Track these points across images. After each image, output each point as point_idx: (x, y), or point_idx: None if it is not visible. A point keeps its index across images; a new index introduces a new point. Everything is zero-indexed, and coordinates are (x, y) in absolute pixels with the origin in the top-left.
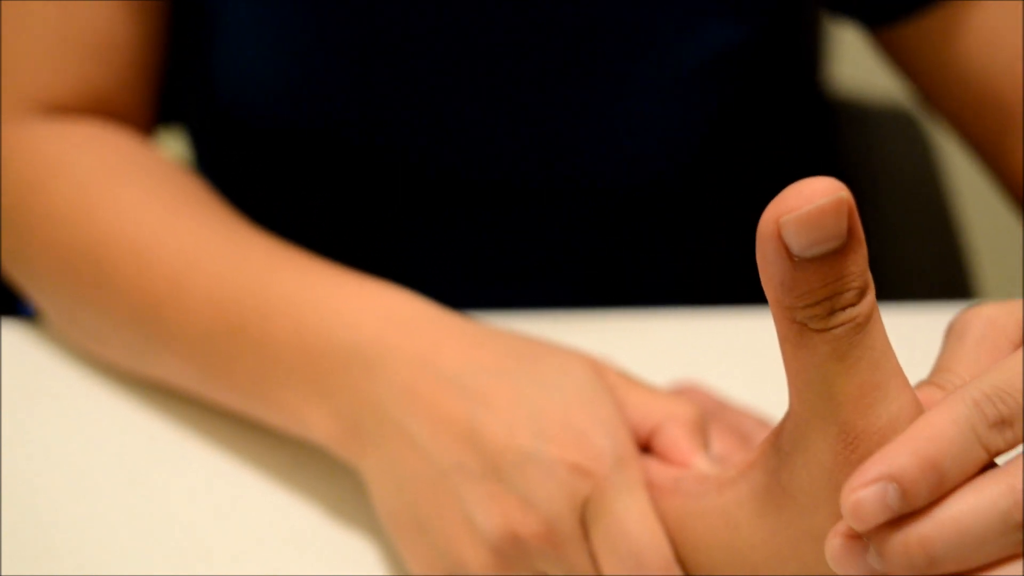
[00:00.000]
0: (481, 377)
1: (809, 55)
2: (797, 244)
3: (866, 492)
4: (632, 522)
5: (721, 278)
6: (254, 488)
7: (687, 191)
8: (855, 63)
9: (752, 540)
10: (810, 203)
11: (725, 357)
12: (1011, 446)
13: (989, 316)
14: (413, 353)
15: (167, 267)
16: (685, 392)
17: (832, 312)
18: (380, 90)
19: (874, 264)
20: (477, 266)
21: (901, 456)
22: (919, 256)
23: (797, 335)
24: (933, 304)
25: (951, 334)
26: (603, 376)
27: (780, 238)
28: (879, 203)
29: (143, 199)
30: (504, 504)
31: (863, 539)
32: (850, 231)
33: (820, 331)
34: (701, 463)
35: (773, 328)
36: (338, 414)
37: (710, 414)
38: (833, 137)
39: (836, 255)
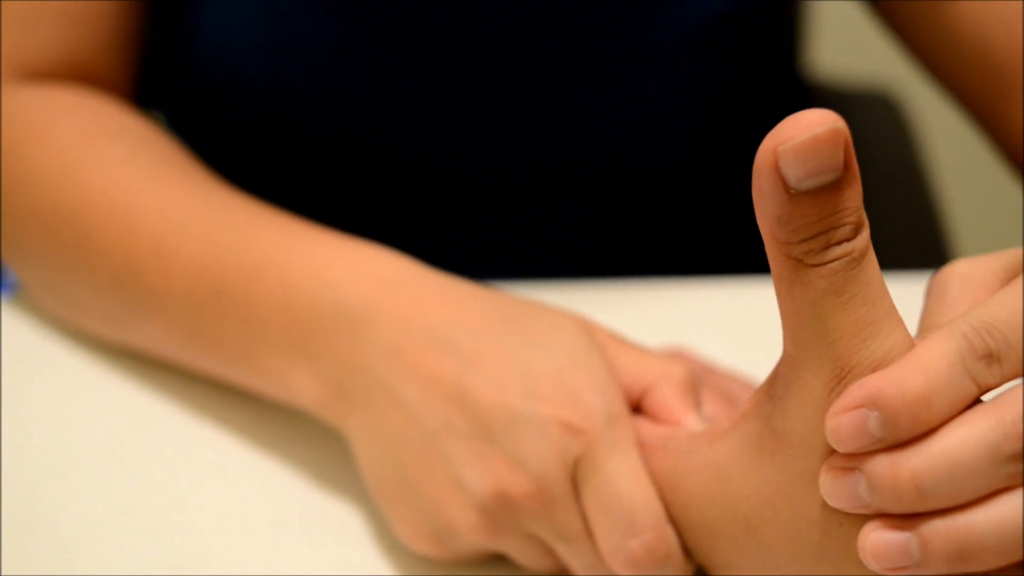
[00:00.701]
0: (470, 336)
1: (788, 38)
2: (794, 175)
3: (847, 416)
4: (624, 481)
5: (722, 258)
6: (239, 459)
7: (686, 172)
8: (833, 47)
9: (744, 491)
10: (807, 132)
11: (711, 327)
12: (1001, 382)
13: (964, 272)
14: (400, 313)
15: (149, 230)
16: (673, 355)
17: (828, 246)
18: (364, 70)
19: None
20: (471, 258)
21: (886, 384)
22: (899, 237)
23: (792, 272)
24: (914, 274)
25: (930, 294)
26: (593, 336)
27: (777, 170)
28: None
29: (124, 163)
30: (494, 464)
31: (855, 471)
32: (846, 164)
33: (816, 265)
34: (693, 423)
35: (759, 299)
36: (323, 376)
37: (699, 377)
38: None
39: (832, 188)
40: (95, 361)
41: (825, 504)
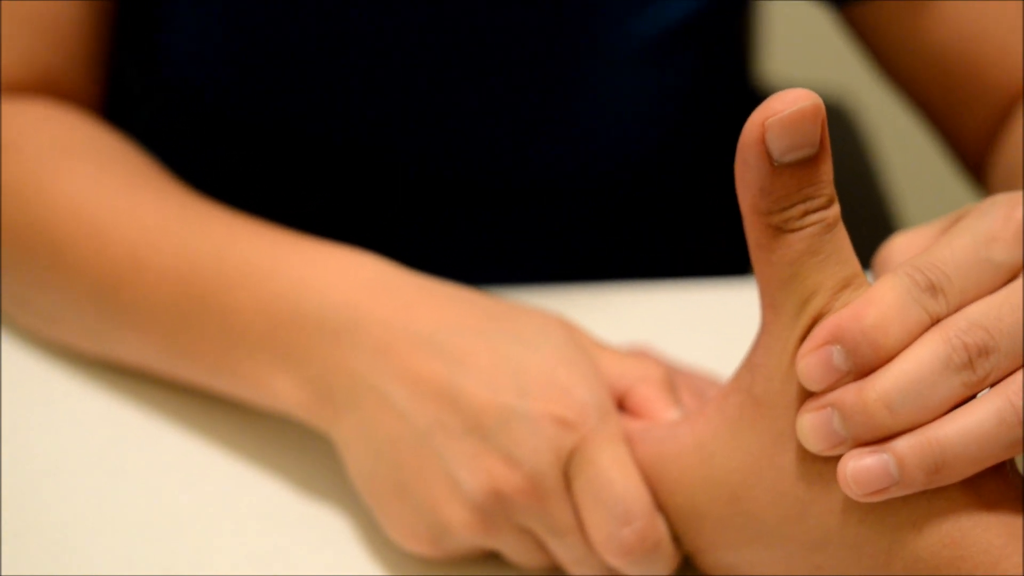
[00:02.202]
0: (458, 336)
1: (742, 49)
2: (778, 147)
3: (814, 355)
4: (615, 472)
5: (704, 257)
6: (227, 464)
7: (664, 173)
8: (785, 56)
9: (728, 464)
10: (794, 106)
11: (682, 329)
12: (948, 310)
13: (903, 243)
14: (385, 315)
15: (125, 243)
16: (641, 355)
17: (805, 214)
18: (324, 78)
19: None
20: (458, 262)
21: (844, 319)
22: (853, 243)
23: (771, 238)
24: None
25: (877, 270)
26: (576, 336)
27: (763, 143)
28: None
29: (98, 176)
30: (487, 461)
31: (827, 408)
32: (822, 140)
33: (795, 230)
34: (673, 418)
35: (732, 301)
36: (308, 381)
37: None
38: None
39: (811, 162)
40: (85, 367)
41: (806, 458)
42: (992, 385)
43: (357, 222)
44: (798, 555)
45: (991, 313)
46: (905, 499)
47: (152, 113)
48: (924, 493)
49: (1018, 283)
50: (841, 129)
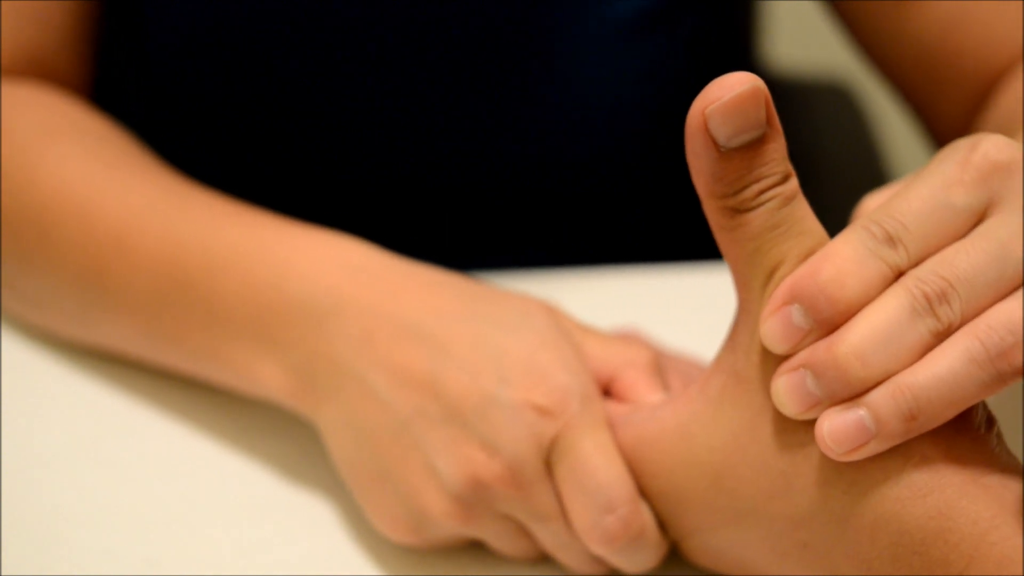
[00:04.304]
0: (440, 323)
1: (743, 31)
2: (723, 133)
3: (775, 317)
4: (597, 459)
5: (690, 241)
6: (212, 453)
7: (652, 156)
8: (789, 39)
9: (710, 443)
10: (731, 92)
11: (667, 313)
12: (910, 261)
13: (873, 203)
14: (368, 302)
15: (111, 226)
16: (628, 338)
17: (760, 192)
18: (305, 65)
19: None
20: (434, 250)
21: (800, 277)
22: None
23: (730, 219)
24: None
25: None
26: (560, 321)
27: (707, 131)
28: (817, 179)
29: (84, 159)
30: (467, 449)
31: (799, 369)
32: (768, 121)
33: (752, 208)
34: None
35: (713, 285)
36: (291, 367)
37: (662, 361)
38: None
39: (758, 143)
40: (71, 357)
41: (787, 429)
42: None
43: (341, 209)
44: (783, 533)
45: (946, 259)
46: (890, 470)
47: (139, 99)
48: (909, 464)
49: (979, 228)
50: (846, 112)
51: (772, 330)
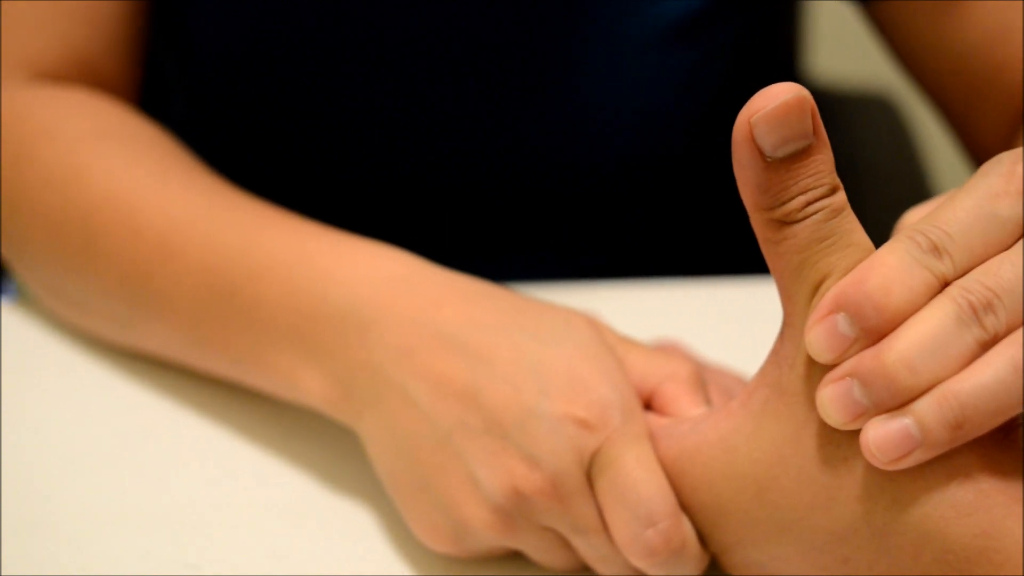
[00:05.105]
0: (481, 334)
1: (786, 43)
2: (769, 143)
3: (820, 325)
4: (639, 472)
5: (720, 257)
6: (250, 460)
7: (693, 167)
8: (832, 52)
9: (753, 455)
10: (776, 101)
11: (707, 326)
12: (956, 271)
13: (916, 216)
14: (410, 312)
15: (156, 231)
16: (670, 351)
17: (807, 204)
18: (342, 66)
19: None
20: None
21: (846, 285)
22: None
23: (776, 231)
24: None
25: None
26: (602, 333)
27: (753, 140)
28: (859, 191)
29: (131, 164)
30: (508, 461)
31: (846, 378)
32: (815, 131)
33: (799, 220)
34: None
35: (755, 299)
36: (333, 376)
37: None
38: None
39: (804, 154)
40: (101, 361)
41: (831, 442)
42: None
43: (383, 219)
44: (825, 547)
45: (991, 269)
46: (933, 486)
47: (185, 102)
48: (953, 481)
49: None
50: (889, 125)
51: (818, 338)
